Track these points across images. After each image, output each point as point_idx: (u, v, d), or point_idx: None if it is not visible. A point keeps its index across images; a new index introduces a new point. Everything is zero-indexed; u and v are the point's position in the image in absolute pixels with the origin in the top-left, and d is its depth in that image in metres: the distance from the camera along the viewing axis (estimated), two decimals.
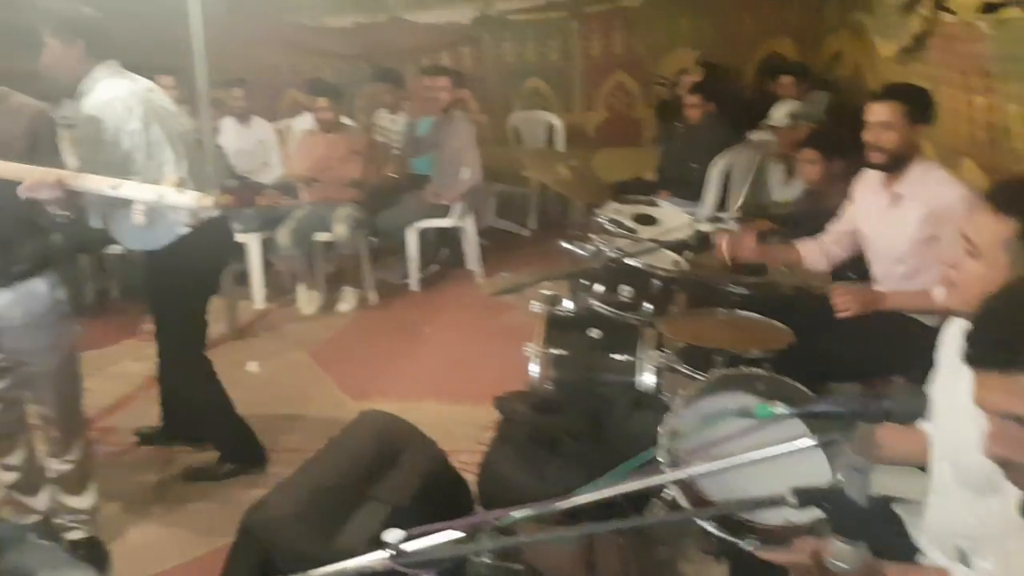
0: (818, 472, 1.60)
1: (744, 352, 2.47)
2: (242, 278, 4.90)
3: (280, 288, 5.24)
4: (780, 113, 5.36)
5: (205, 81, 4.24)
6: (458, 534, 1.22)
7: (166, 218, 2.36)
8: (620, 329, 2.82)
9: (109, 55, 2.69)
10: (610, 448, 2.35)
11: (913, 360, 1.85)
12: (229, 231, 3.13)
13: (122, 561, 2.65)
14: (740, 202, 4.78)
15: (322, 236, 5.00)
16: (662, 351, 2.75)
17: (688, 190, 4.84)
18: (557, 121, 6.40)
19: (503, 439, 2.56)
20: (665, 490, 1.96)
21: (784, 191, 4.93)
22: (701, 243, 2.96)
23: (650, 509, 2.08)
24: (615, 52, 6.42)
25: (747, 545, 1.61)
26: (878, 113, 2.57)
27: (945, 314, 1.72)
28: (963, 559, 1.40)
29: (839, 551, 1.24)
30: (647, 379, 2.73)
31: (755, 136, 5.26)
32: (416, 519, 1.28)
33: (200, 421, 3.15)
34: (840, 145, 3.38)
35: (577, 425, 2.44)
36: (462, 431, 3.19)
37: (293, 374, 4.09)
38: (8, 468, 2.54)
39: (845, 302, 2.51)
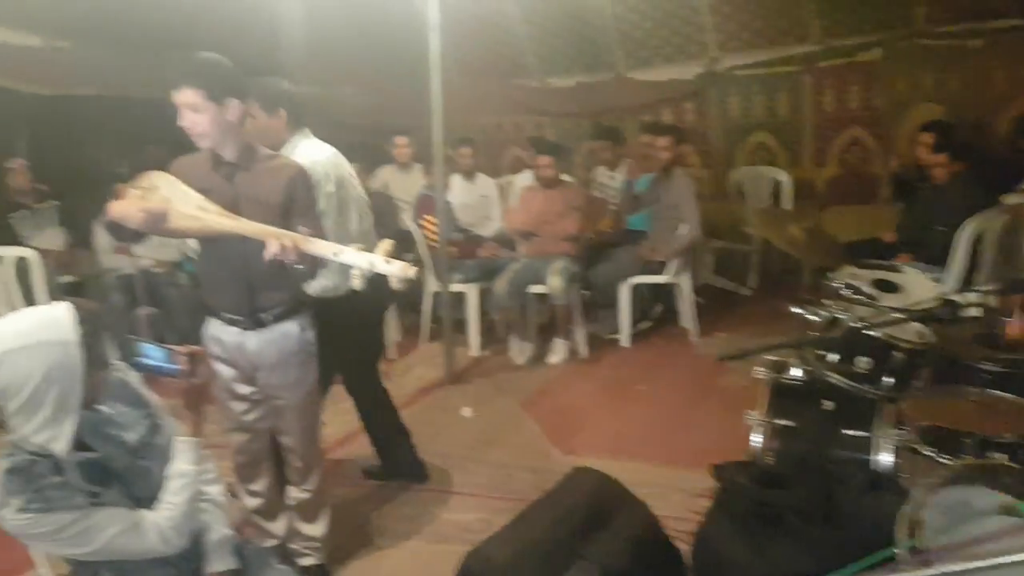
0: None
1: (996, 436, 2.20)
2: (460, 325, 5.11)
3: (495, 337, 5.41)
4: None
5: (440, 141, 4.52)
6: None
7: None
8: (855, 402, 2.61)
9: (304, 124, 2.94)
10: (840, 531, 2.18)
11: None
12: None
13: None
14: (991, 271, 4.31)
15: (537, 288, 5.11)
16: (902, 429, 2.51)
17: (931, 254, 4.45)
18: (784, 177, 6.16)
19: (721, 510, 2.43)
20: None
21: None
22: (951, 315, 2.68)
23: None
24: (851, 106, 6.09)
25: None
26: None
27: None
28: None
29: None
30: (884, 459, 2.49)
31: (1010, 199, 4.75)
32: None
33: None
34: None
35: (805, 503, 2.27)
36: (674, 496, 3.09)
37: (503, 422, 4.17)
38: (253, 494, 2.75)
39: None
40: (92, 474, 1.73)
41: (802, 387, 2.75)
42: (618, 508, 2.41)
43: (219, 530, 1.95)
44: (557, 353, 5.07)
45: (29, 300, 4.56)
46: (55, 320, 1.67)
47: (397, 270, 2.11)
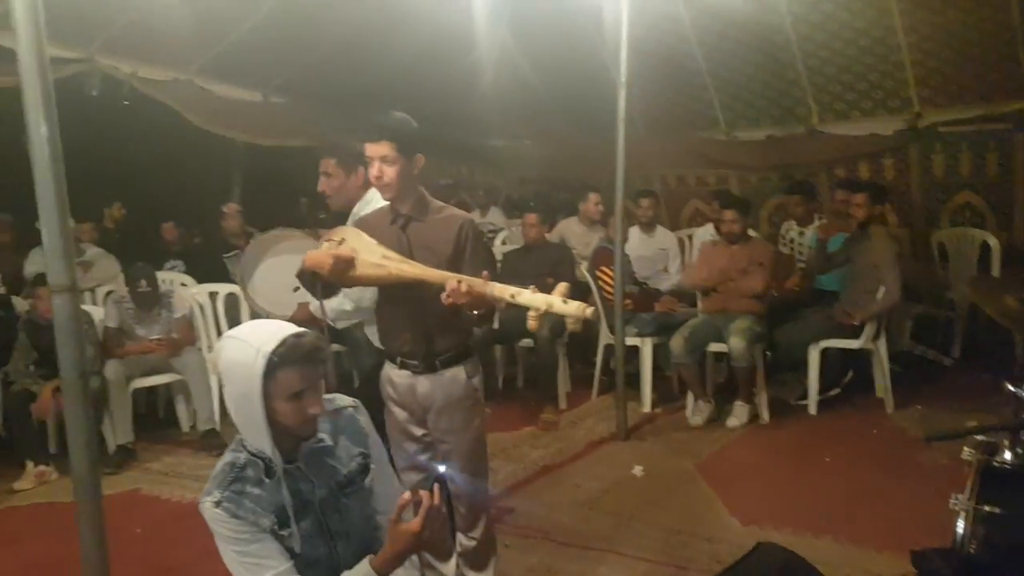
0: None
1: None
2: (631, 380, 4.99)
3: (668, 394, 5.24)
4: None
5: (622, 195, 4.51)
6: None
7: None
8: None
9: None
10: None
11: None
12: None
13: None
14: None
15: (716, 346, 4.93)
16: None
17: None
18: (993, 241, 5.60)
19: None
20: None
21: None
22: None
23: None
24: None
25: None
26: None
27: None
28: None
29: None
30: None
31: None
32: None
33: None
34: None
35: None
36: None
37: (677, 484, 3.99)
38: None
39: None
40: (295, 490, 1.80)
41: (1014, 473, 2.43)
42: None
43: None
44: (737, 416, 4.82)
45: None
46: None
47: (574, 310, 2.15)
